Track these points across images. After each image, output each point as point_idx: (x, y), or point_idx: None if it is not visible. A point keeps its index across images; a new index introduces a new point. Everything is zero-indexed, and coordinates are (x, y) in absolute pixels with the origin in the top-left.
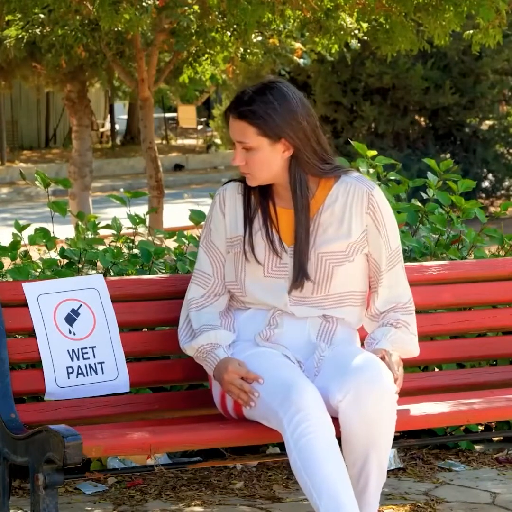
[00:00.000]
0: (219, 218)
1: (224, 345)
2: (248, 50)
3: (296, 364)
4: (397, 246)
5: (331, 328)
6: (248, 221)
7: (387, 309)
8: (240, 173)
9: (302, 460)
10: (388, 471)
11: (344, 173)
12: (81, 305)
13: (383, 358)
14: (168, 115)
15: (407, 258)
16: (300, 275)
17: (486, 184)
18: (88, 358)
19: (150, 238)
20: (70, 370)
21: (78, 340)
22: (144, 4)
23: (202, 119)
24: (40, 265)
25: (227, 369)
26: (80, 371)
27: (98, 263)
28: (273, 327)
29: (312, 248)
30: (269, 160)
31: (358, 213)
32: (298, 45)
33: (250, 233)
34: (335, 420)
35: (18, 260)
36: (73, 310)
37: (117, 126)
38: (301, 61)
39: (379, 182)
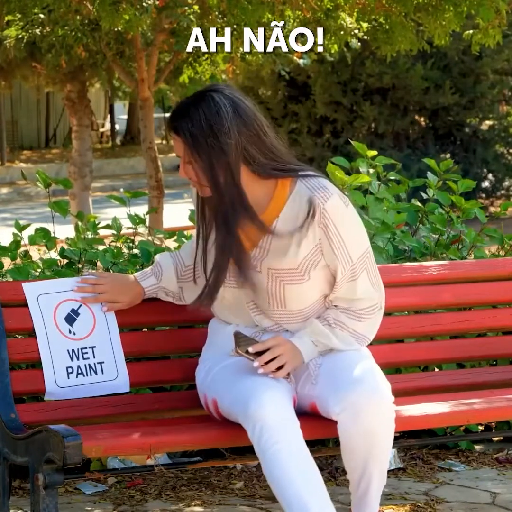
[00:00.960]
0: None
1: (158, 279)
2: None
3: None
4: (360, 254)
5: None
6: (201, 237)
7: (337, 306)
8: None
9: (270, 472)
10: (388, 471)
11: (300, 178)
12: (81, 305)
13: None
14: (168, 115)
15: (407, 258)
16: (242, 279)
17: (486, 184)
18: (88, 358)
19: (150, 238)
20: (70, 370)
21: (78, 340)
22: (144, 4)
23: None
24: (40, 265)
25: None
26: (80, 371)
27: (98, 263)
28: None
29: (263, 260)
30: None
31: (311, 227)
32: None
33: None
34: (326, 421)
35: (18, 260)
36: (73, 310)
37: (117, 126)
38: (301, 61)
39: (379, 182)
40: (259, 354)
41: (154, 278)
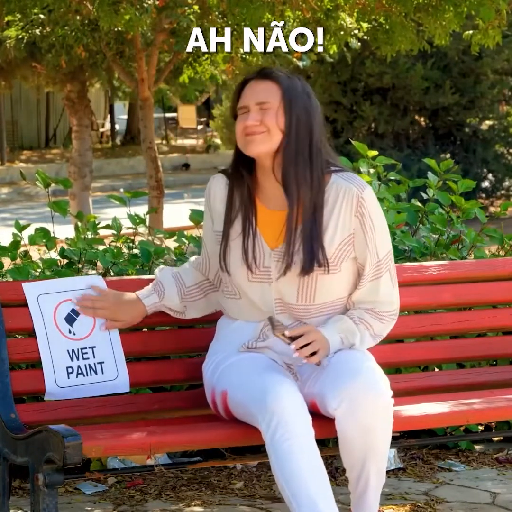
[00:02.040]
0: (207, 210)
1: (160, 297)
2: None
3: (284, 366)
4: (386, 253)
5: None
6: (228, 223)
7: (362, 307)
8: (245, 135)
9: (281, 467)
10: (388, 471)
11: (335, 172)
12: None
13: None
14: (168, 115)
15: (407, 258)
16: (285, 269)
17: (486, 184)
18: (88, 358)
19: (150, 238)
20: (70, 370)
21: (78, 340)
22: (144, 4)
23: (202, 119)
24: (40, 265)
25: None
26: (80, 371)
27: (98, 263)
28: (260, 341)
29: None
30: (279, 127)
31: (347, 216)
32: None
33: (246, 238)
34: (325, 420)
35: (18, 260)
36: (73, 310)
37: (117, 126)
38: (300, 63)
39: (379, 182)
40: (293, 339)
41: (156, 296)
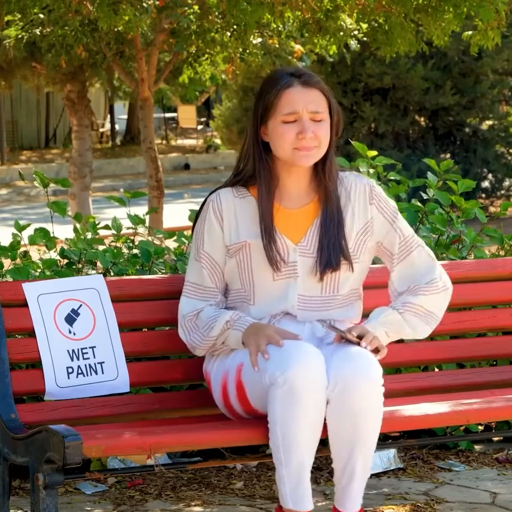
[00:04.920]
0: (214, 227)
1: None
2: (247, 51)
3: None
4: (410, 233)
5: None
6: (263, 224)
7: (404, 290)
8: (299, 149)
9: (282, 417)
10: (388, 471)
11: (341, 171)
12: (81, 305)
13: (342, 338)
14: (168, 115)
15: None
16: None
17: (486, 184)
18: (88, 358)
19: (150, 238)
20: (70, 370)
21: (78, 340)
22: (144, 4)
23: (202, 119)
24: (40, 265)
25: (267, 327)
26: (80, 371)
27: (98, 263)
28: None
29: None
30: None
31: (361, 206)
32: (298, 47)
33: (268, 236)
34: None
35: (18, 260)
36: (73, 310)
37: (117, 126)
38: (300, 64)
39: (379, 182)
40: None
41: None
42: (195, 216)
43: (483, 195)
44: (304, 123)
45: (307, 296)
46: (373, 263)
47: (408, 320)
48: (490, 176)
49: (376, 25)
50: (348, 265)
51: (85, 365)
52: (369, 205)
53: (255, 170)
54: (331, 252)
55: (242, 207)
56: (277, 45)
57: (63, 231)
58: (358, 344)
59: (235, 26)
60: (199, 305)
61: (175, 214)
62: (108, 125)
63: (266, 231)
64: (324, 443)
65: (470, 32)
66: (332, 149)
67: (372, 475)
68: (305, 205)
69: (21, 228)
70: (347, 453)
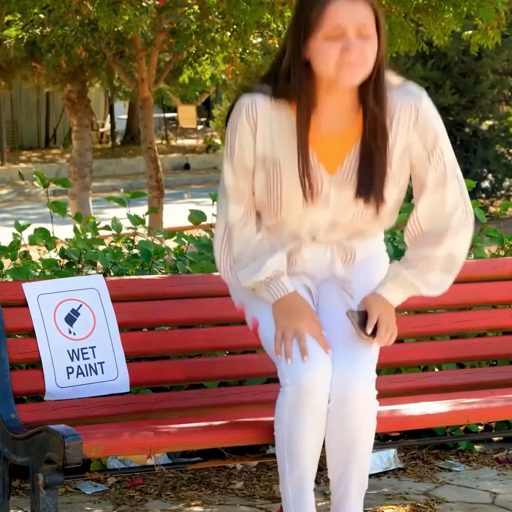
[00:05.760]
0: (246, 134)
1: (285, 271)
2: (247, 51)
3: (315, 301)
4: (450, 160)
5: (351, 252)
6: (300, 152)
7: (429, 230)
8: (344, 66)
9: (289, 426)
10: (388, 471)
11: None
12: (81, 305)
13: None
14: (168, 115)
15: None
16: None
17: (486, 184)
18: (88, 358)
19: (150, 238)
20: (70, 370)
21: (78, 340)
22: (144, 4)
23: (202, 119)
24: (40, 265)
25: (305, 317)
26: (80, 371)
27: (98, 263)
28: (294, 252)
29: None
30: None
31: (404, 130)
32: None
33: (304, 165)
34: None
35: (18, 260)
36: (73, 310)
37: (117, 126)
38: None
39: None
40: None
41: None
42: (226, 118)
43: (483, 195)
44: (350, 39)
45: (336, 223)
46: None
47: (425, 279)
48: (490, 176)
49: None
50: (382, 196)
51: (85, 365)
52: (412, 130)
53: (295, 90)
54: (368, 182)
55: (279, 121)
56: (277, 45)
57: (63, 231)
58: (371, 336)
59: (235, 26)
60: (239, 210)
61: (175, 214)
62: (108, 125)
63: (303, 158)
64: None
65: (470, 32)
66: (382, 67)
67: (372, 475)
68: (345, 128)
69: (21, 228)
70: (342, 465)
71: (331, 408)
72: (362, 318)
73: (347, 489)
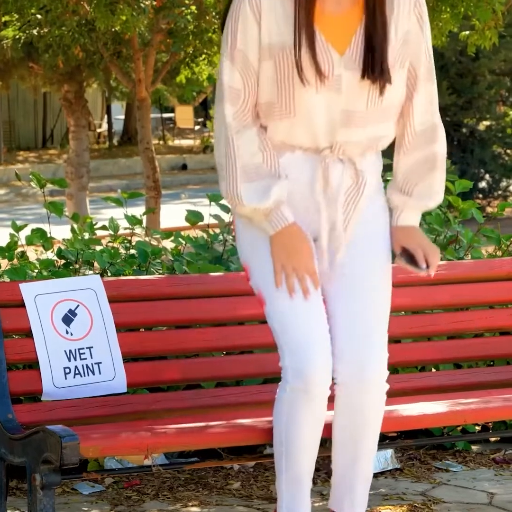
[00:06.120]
0: (250, 23)
1: (285, 199)
2: None
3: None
4: (431, 56)
5: (362, 176)
6: (298, 25)
7: (421, 131)
8: None
9: (287, 423)
10: (385, 472)
11: None
12: (78, 306)
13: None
14: (165, 115)
15: None
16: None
17: (483, 184)
18: (85, 359)
19: (147, 238)
20: (67, 370)
21: (75, 340)
22: (141, 4)
23: (199, 120)
24: (37, 265)
25: (302, 253)
26: (77, 372)
27: (95, 264)
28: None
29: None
30: None
31: (405, 15)
32: None
33: (311, 44)
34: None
35: (15, 261)
36: (70, 311)
37: (114, 127)
38: None
39: None
40: (411, 257)
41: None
42: (223, 17)
43: (480, 196)
44: None
45: (350, 111)
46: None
47: (418, 194)
48: (487, 176)
49: None
50: (388, 75)
51: (82, 365)
52: (412, 14)
53: None
54: (377, 63)
55: (283, 5)
56: None
57: (60, 232)
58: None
59: None
60: (233, 109)
61: (173, 214)
62: (105, 126)
63: (309, 38)
64: (320, 443)
65: (467, 32)
66: None
67: None
68: (347, 9)
69: (18, 229)
70: (350, 447)
71: (343, 388)
72: (408, 256)
73: (352, 482)
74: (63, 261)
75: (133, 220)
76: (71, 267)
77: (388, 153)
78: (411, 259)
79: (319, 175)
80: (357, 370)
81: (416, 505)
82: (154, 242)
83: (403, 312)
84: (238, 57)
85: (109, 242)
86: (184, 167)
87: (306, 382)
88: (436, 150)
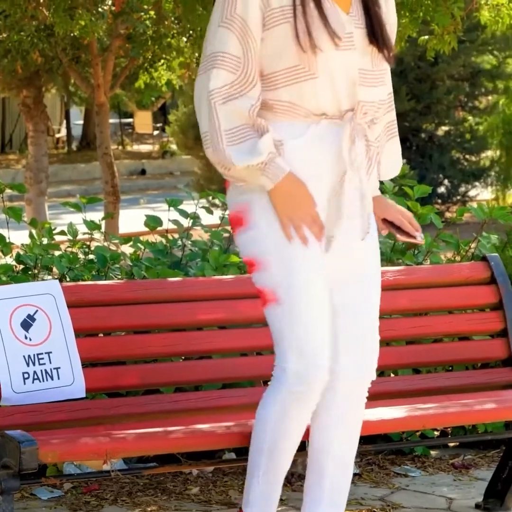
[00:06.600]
0: None
1: (274, 150)
2: None
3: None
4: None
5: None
6: None
7: (389, 100)
8: None
9: (276, 423)
10: None
11: None
12: (37, 311)
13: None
14: (124, 120)
15: None
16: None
17: (442, 189)
18: (44, 364)
19: (106, 243)
20: (26, 375)
21: (34, 345)
22: (100, 9)
23: (158, 125)
24: None
25: (305, 198)
26: (36, 377)
27: (54, 269)
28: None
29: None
30: None
31: None
32: None
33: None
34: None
35: None
36: (29, 316)
37: (73, 132)
38: None
39: None
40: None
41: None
42: None
43: (439, 201)
44: None
45: (364, 69)
46: (388, 263)
47: (389, 153)
48: (446, 181)
49: None
50: (390, 41)
51: (41, 370)
52: None
53: None
54: (377, 25)
55: None
56: None
57: (19, 237)
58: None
59: (191, 32)
60: (229, 77)
61: (131, 219)
62: (64, 131)
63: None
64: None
65: (426, 37)
66: None
67: None
68: None
69: None
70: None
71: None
72: (395, 228)
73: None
74: (22, 266)
75: (92, 225)
76: (30, 272)
77: None
78: (399, 230)
79: (345, 141)
80: (358, 373)
81: (375, 510)
82: (113, 247)
83: None
84: (236, 23)
85: (68, 247)
86: (143, 172)
87: (308, 387)
88: (393, 117)
